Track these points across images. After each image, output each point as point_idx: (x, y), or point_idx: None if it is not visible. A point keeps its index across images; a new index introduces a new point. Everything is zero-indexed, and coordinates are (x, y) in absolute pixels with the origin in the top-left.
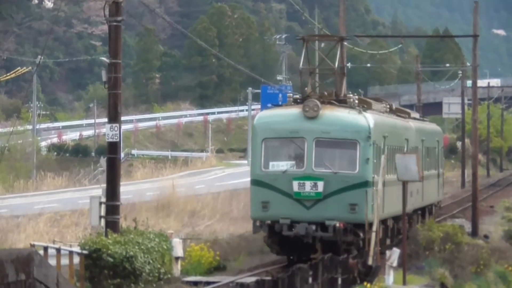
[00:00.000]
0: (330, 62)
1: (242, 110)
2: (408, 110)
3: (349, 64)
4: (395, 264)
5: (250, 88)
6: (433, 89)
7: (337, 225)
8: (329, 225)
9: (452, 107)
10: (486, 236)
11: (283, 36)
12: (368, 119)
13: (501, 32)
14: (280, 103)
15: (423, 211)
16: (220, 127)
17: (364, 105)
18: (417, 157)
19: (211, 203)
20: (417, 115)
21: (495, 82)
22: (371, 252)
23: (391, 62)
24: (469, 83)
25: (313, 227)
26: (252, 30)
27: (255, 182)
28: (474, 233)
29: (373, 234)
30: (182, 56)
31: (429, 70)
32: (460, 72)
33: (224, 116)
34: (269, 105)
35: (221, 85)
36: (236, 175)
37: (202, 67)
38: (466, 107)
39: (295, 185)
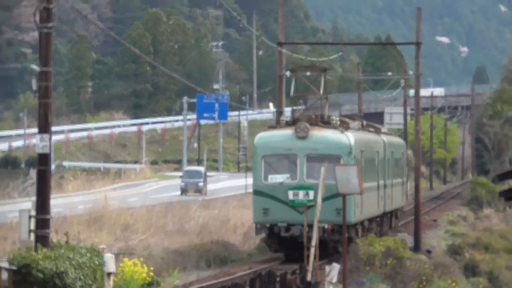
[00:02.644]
0: (316, 90)
1: (178, 120)
2: (378, 126)
3: (287, 73)
4: (334, 280)
5: (185, 97)
6: (374, 98)
7: (326, 226)
8: (319, 226)
9: (394, 117)
10: (428, 251)
11: (220, 44)
12: (349, 137)
13: (444, 39)
14: (216, 112)
15: (391, 214)
16: (154, 138)
17: (344, 125)
18: (358, 169)
19: (145, 216)
20: (385, 130)
21: (439, 91)
22: (310, 268)
23: (332, 71)
24: (411, 92)
25: (307, 228)
26: (188, 37)
27: (257, 192)
28: (417, 247)
29: (312, 249)
30: (115, 63)
31: (370, 78)
32: (402, 80)
33: (158, 126)
34: (206, 114)
35: (156, 94)
36: (171, 187)
37: (136, 75)
38: (408, 117)
39: (290, 194)
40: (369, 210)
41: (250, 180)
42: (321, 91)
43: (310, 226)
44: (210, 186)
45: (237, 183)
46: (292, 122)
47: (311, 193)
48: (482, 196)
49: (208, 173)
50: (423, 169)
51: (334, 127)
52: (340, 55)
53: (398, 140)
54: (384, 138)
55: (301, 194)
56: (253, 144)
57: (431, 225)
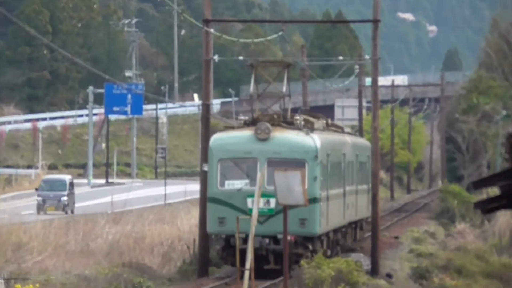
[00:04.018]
0: (277, 87)
1: (82, 115)
2: (341, 125)
3: (216, 57)
4: None
5: (91, 87)
6: (323, 89)
7: (288, 238)
8: (280, 238)
9: (346, 111)
10: (389, 275)
11: (133, 21)
12: (315, 140)
13: (408, 16)
14: (128, 105)
15: (356, 225)
16: (53, 137)
17: (309, 125)
18: (301, 174)
19: (42, 233)
20: (349, 129)
21: (401, 79)
22: None
23: (270, 54)
24: (368, 81)
25: (266, 240)
26: (94, 14)
27: (212, 200)
28: (374, 271)
29: (246, 273)
30: (5, 46)
31: (317, 64)
32: (357, 67)
33: (58, 122)
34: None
35: (55, 84)
36: (76, 197)
37: (31, 61)
38: (364, 111)
39: (249, 202)
40: (334, 220)
41: (170, 189)
42: (284, 89)
43: (269, 238)
44: (120, 196)
45: (155, 192)
46: (252, 122)
47: (272, 201)
48: (454, 207)
49: (120, 180)
50: (382, 175)
51: (299, 128)
52: (280, 35)
53: (363, 141)
54: (349, 139)
55: (261, 202)
56: (168, 146)
57: (392, 243)
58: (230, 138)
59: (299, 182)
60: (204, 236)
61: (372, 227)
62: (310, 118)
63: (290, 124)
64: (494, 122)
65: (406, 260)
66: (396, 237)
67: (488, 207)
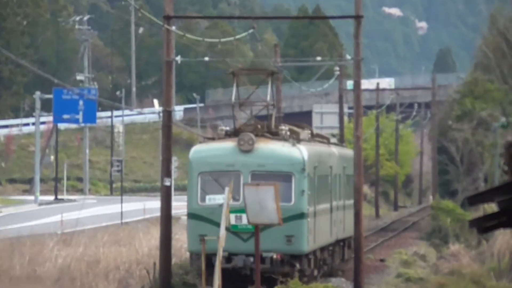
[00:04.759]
0: (261, 96)
1: (28, 124)
2: (326, 135)
3: (178, 58)
4: None
5: (38, 93)
6: (298, 93)
7: (274, 256)
8: (266, 257)
9: (326, 118)
10: None
11: (85, 18)
12: (302, 151)
13: (395, 11)
14: (80, 112)
15: (344, 243)
16: None
17: (294, 135)
18: (275, 189)
19: None
20: (335, 140)
21: (388, 82)
22: None
23: (239, 55)
24: (349, 84)
25: (251, 259)
26: (42, 10)
27: (192, 216)
28: None
29: None
30: None
31: (293, 65)
32: (337, 68)
33: (1, 132)
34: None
35: None
36: (21, 216)
37: None
38: (346, 118)
39: (232, 218)
40: (322, 237)
41: (127, 206)
42: (268, 97)
43: (254, 256)
44: (71, 215)
45: (110, 210)
46: (234, 133)
47: None
48: (447, 226)
49: (71, 197)
50: (366, 189)
51: (284, 139)
52: (251, 33)
53: (350, 152)
54: (335, 150)
55: (244, 218)
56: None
57: (377, 266)
58: (211, 150)
59: (272, 198)
60: (166, 259)
61: (355, 248)
62: (295, 128)
63: (274, 135)
64: (492, 130)
65: (393, 285)
66: (382, 260)
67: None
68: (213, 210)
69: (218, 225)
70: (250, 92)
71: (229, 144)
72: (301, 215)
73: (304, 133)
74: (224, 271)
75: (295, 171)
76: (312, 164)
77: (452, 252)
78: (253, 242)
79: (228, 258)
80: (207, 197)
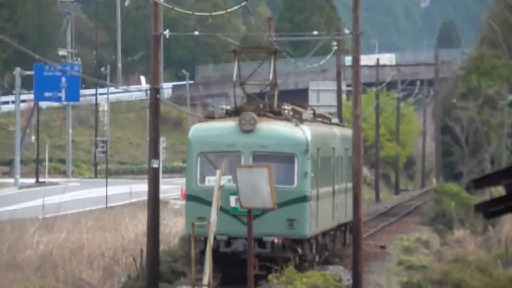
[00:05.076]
0: (263, 74)
1: (7, 102)
2: (328, 115)
3: (166, 32)
4: None
5: (18, 69)
6: (294, 70)
7: (275, 241)
8: (267, 241)
9: (322, 96)
10: None
11: None
12: (306, 132)
13: None
14: (63, 90)
15: (345, 228)
16: None
17: (297, 115)
18: (269, 171)
19: None
20: (336, 120)
21: (388, 58)
22: None
23: (231, 29)
24: (348, 60)
25: None
26: None
27: (191, 198)
28: (357, 286)
29: None
30: None
31: (287, 40)
32: (334, 43)
33: None
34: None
35: None
36: (0, 200)
37: None
38: (344, 96)
39: (233, 201)
40: (324, 221)
41: (112, 189)
42: (271, 76)
43: (255, 240)
44: (53, 198)
45: (94, 194)
46: (235, 112)
47: None
48: (452, 211)
49: (53, 179)
50: (366, 172)
51: (287, 119)
52: (243, 6)
53: (351, 133)
54: (337, 131)
55: None
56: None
57: (378, 253)
58: (211, 130)
59: (266, 181)
60: (154, 246)
61: (354, 234)
62: (298, 108)
63: (277, 114)
64: (499, 109)
65: (395, 273)
66: (383, 247)
67: (491, 210)
68: (213, 192)
69: None
70: (247, 69)
71: (230, 124)
72: (304, 198)
73: (307, 113)
74: (223, 255)
75: (298, 152)
76: (315, 146)
77: (456, 238)
78: (254, 226)
79: (228, 242)
80: (207, 178)
